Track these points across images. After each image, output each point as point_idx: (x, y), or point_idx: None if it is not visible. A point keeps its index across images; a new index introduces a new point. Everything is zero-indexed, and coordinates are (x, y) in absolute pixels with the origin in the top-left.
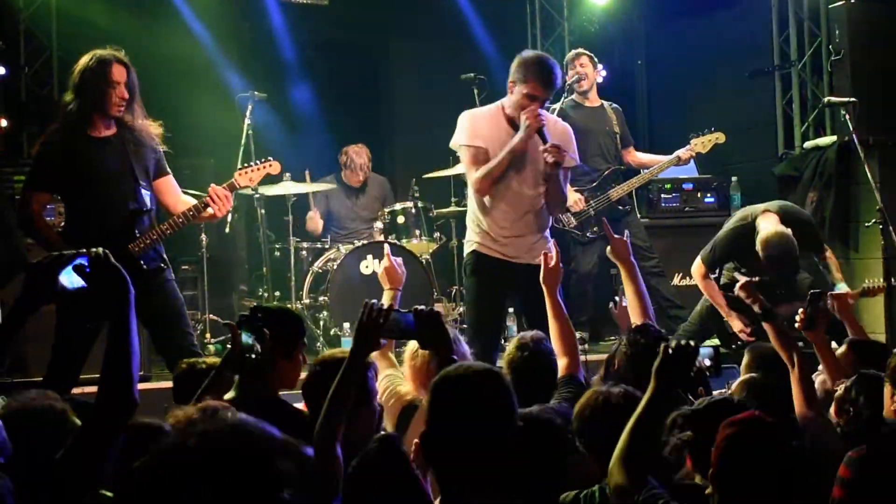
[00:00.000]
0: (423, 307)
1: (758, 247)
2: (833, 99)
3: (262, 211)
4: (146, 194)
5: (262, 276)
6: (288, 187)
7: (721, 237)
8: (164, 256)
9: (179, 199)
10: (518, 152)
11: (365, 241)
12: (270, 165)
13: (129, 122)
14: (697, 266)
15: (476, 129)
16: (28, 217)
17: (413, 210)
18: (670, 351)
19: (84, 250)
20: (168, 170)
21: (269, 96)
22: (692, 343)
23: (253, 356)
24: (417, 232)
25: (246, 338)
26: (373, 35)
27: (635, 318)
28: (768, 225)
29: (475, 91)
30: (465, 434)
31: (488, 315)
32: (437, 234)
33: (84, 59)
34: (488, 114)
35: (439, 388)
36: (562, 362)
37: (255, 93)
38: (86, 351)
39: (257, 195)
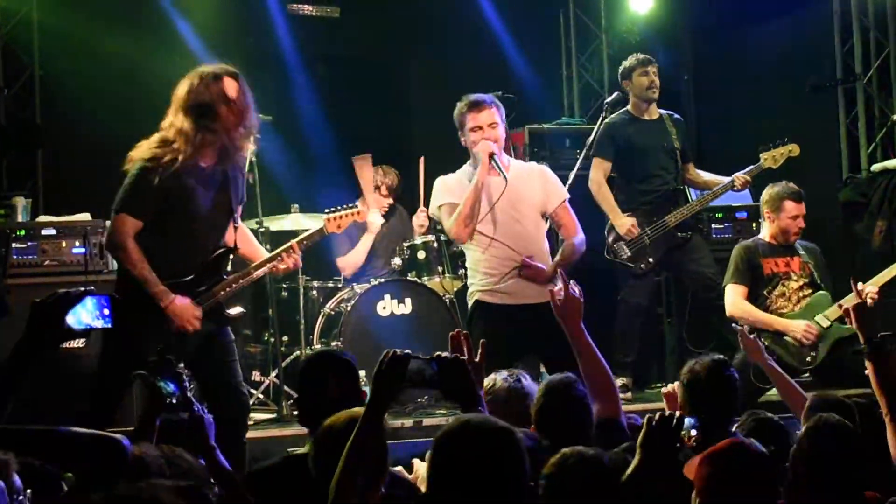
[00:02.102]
0: (445, 354)
1: (769, 200)
2: None
3: (268, 246)
4: (235, 232)
5: (267, 320)
6: (296, 220)
7: (736, 251)
8: None
9: (247, 236)
10: (482, 186)
11: (382, 280)
12: (358, 213)
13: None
14: (732, 291)
15: (448, 189)
16: (118, 244)
17: (435, 244)
18: (654, 423)
19: (92, 288)
20: (244, 198)
21: (276, 119)
22: (677, 414)
23: (174, 401)
24: (440, 269)
25: (164, 384)
26: (391, 50)
27: (595, 402)
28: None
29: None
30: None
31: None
32: (461, 271)
33: (192, 79)
34: (458, 175)
35: (441, 445)
36: (596, 407)
37: (261, 115)
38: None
39: (262, 229)
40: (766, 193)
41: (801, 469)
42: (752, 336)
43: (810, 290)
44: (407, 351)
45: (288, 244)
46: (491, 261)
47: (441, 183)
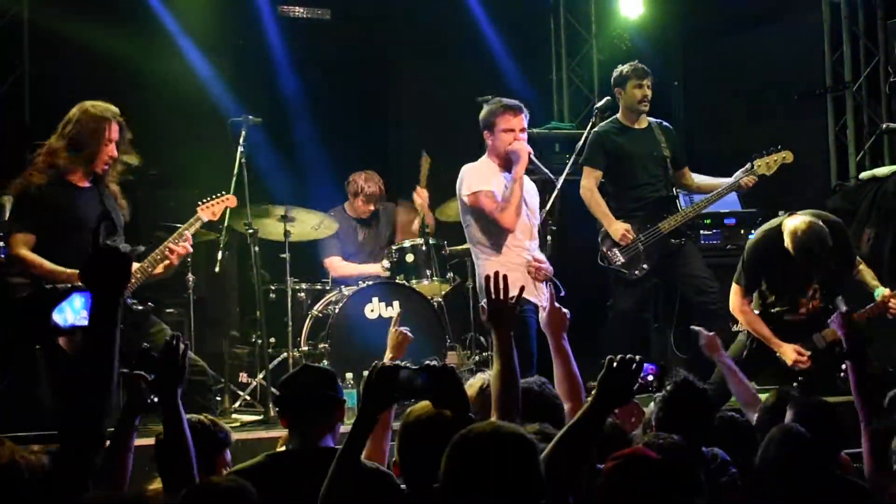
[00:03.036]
0: (435, 363)
1: (787, 242)
2: (892, 125)
3: (256, 248)
4: (121, 241)
5: (255, 321)
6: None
7: (749, 250)
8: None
9: None
10: (521, 181)
11: (370, 282)
12: (227, 199)
13: (105, 181)
14: (735, 292)
15: (484, 176)
16: (14, 258)
17: (423, 247)
18: (615, 364)
19: (79, 285)
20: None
21: (265, 121)
22: (637, 358)
23: (154, 399)
24: (428, 272)
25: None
26: (380, 53)
27: (566, 401)
28: (796, 220)
29: None
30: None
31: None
32: (450, 275)
33: (79, 112)
34: (484, 165)
35: (458, 446)
36: (566, 406)
37: (250, 117)
38: None
39: (251, 230)
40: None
41: (761, 475)
42: (710, 334)
43: (819, 294)
44: (396, 361)
45: (170, 238)
46: (511, 264)
47: (474, 170)
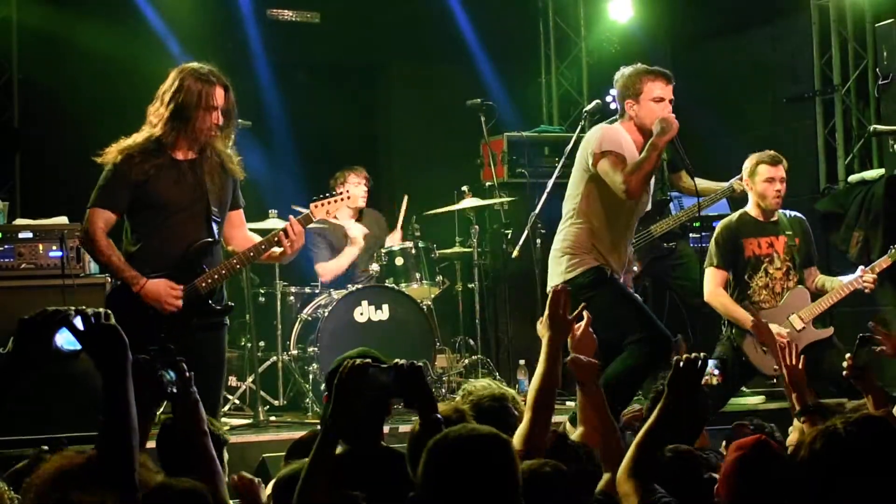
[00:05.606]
0: (403, 361)
1: (744, 168)
2: (880, 127)
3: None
4: (215, 225)
5: (245, 324)
6: (273, 225)
7: (719, 230)
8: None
9: (245, 235)
10: (661, 151)
11: (360, 286)
12: (349, 198)
13: (217, 147)
14: (712, 275)
15: (619, 139)
16: (89, 236)
17: (413, 251)
18: (682, 364)
19: (84, 308)
20: (242, 203)
21: (254, 125)
22: (702, 355)
23: (173, 390)
24: (418, 275)
25: (165, 373)
26: (370, 56)
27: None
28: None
29: (482, 118)
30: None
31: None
32: (439, 278)
33: (179, 75)
34: (624, 132)
35: (435, 450)
36: (578, 430)
37: (239, 120)
38: None
39: None
40: (745, 163)
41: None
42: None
43: (795, 277)
44: (367, 360)
45: (274, 233)
46: (616, 238)
47: (613, 131)
